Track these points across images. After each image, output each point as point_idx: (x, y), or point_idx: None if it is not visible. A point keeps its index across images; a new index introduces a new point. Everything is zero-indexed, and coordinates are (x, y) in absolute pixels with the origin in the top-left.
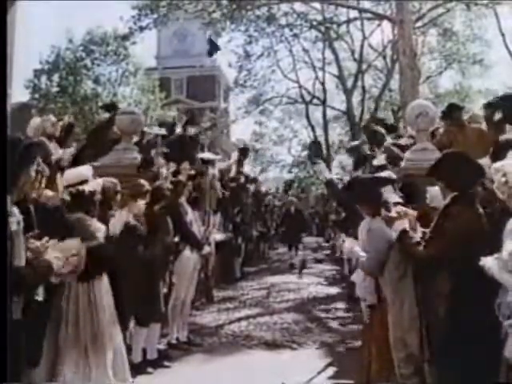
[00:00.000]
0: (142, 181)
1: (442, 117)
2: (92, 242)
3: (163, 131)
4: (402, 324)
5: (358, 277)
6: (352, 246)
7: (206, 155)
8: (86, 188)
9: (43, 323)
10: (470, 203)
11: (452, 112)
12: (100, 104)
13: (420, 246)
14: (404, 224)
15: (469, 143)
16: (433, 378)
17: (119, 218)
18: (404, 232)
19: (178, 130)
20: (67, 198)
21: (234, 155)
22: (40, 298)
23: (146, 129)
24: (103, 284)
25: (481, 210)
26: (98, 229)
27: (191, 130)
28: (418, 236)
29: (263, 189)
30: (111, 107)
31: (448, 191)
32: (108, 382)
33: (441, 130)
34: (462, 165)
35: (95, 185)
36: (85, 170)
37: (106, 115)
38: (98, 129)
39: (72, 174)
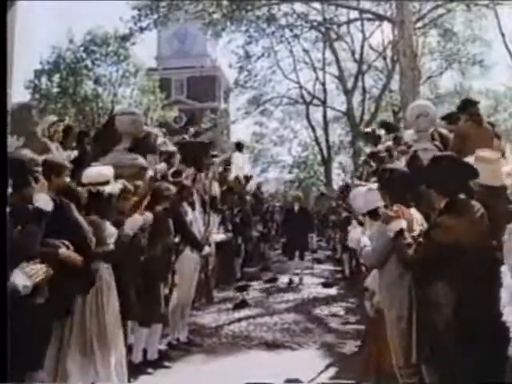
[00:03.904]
0: (140, 182)
1: (458, 112)
2: (102, 248)
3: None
4: (390, 322)
5: (375, 283)
6: (359, 236)
7: None
8: (107, 189)
9: (48, 325)
10: (462, 211)
11: (467, 107)
12: (100, 104)
13: (410, 248)
14: (401, 224)
15: (482, 140)
16: (430, 378)
17: (134, 223)
18: (400, 232)
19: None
20: (84, 196)
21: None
22: (42, 300)
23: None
24: (111, 285)
25: (477, 215)
26: (111, 234)
27: (194, 133)
28: (410, 238)
29: (263, 189)
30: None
31: (440, 197)
32: (110, 381)
33: (444, 131)
34: (452, 167)
35: (115, 187)
36: (106, 171)
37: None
38: (101, 130)
39: (93, 172)
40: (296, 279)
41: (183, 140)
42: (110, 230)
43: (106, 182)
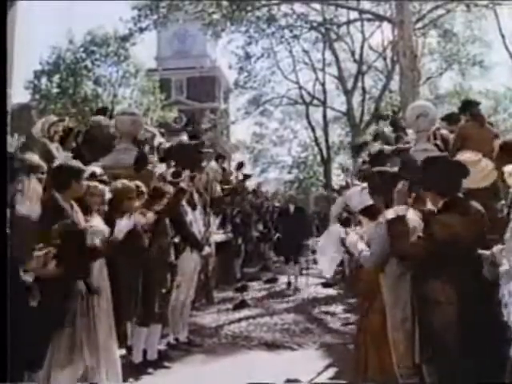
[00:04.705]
0: (138, 182)
1: (459, 112)
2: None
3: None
4: (394, 325)
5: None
6: (356, 240)
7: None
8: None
9: (48, 324)
10: (462, 210)
11: (468, 108)
12: (100, 105)
13: (406, 238)
14: (397, 211)
15: (483, 140)
16: (431, 378)
17: (125, 225)
18: (396, 220)
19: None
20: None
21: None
22: (34, 303)
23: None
24: (102, 286)
25: (477, 214)
26: (98, 231)
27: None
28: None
29: (263, 189)
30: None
31: (438, 198)
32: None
33: (444, 131)
34: (445, 168)
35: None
36: (90, 171)
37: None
38: (92, 131)
39: None
40: (293, 281)
41: (176, 144)
42: (98, 226)
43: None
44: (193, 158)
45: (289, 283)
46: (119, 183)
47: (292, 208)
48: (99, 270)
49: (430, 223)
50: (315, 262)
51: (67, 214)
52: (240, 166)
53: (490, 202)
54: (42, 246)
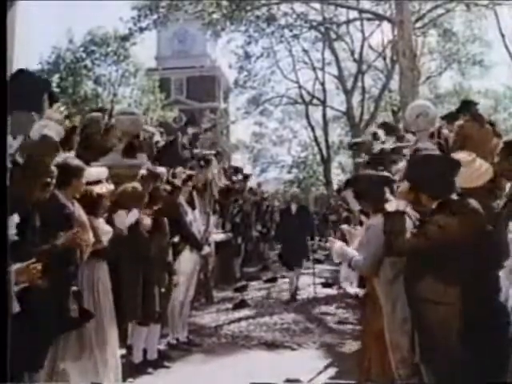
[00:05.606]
0: (136, 184)
1: (458, 112)
2: (95, 245)
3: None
4: (394, 326)
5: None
6: (342, 248)
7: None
8: (94, 190)
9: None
10: (456, 211)
11: (467, 108)
12: (100, 104)
13: (401, 236)
14: (394, 205)
15: (483, 141)
16: (429, 379)
17: (121, 218)
18: (394, 214)
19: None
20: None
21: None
22: (16, 310)
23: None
24: (106, 283)
25: (474, 215)
26: (105, 232)
27: (189, 131)
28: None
29: (263, 189)
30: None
31: (430, 199)
32: (107, 380)
33: (445, 131)
34: (434, 166)
35: (104, 188)
36: (98, 172)
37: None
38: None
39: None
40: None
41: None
42: (104, 228)
43: (96, 183)
44: (177, 155)
45: (292, 296)
46: (129, 187)
47: (294, 207)
48: (101, 269)
49: (424, 223)
50: (317, 261)
51: (69, 210)
52: (237, 170)
53: (487, 200)
54: (33, 260)
